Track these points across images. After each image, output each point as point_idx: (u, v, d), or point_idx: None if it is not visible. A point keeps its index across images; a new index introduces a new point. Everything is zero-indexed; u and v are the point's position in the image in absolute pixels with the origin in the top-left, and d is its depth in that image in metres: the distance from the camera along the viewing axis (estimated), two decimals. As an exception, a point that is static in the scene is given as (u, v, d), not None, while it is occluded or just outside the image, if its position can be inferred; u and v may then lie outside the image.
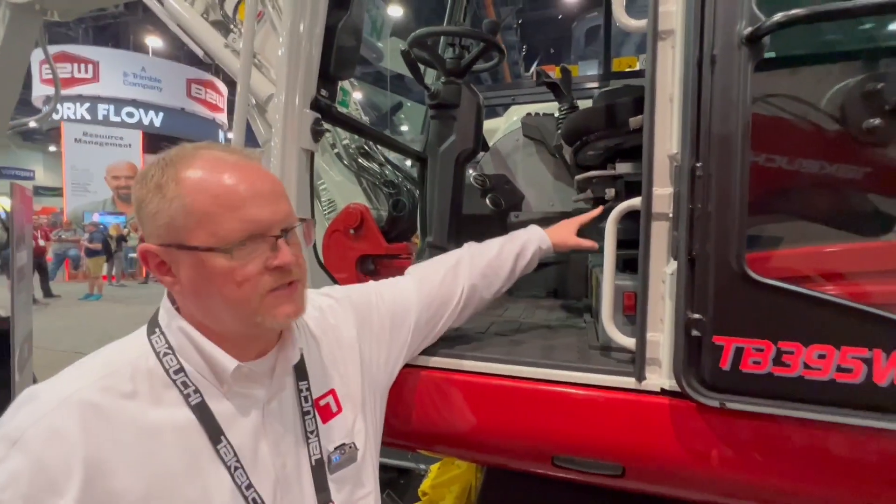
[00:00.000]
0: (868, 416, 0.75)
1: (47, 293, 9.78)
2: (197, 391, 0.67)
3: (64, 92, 13.56)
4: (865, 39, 1.08)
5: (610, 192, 1.26)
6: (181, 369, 0.67)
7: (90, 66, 14.42)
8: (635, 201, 0.92)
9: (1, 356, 2.71)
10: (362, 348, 0.90)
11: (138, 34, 15.88)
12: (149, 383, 0.65)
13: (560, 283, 1.99)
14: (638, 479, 0.94)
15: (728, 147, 0.78)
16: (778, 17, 0.74)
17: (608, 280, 0.97)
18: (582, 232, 1.29)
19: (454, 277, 1.07)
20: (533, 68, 2.15)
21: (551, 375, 0.98)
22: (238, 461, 0.67)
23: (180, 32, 2.24)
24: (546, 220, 2.04)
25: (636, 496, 1.00)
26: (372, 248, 1.80)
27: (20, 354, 2.81)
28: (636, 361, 0.91)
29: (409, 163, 2.41)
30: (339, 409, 0.82)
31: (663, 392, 0.89)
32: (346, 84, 2.33)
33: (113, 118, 14.88)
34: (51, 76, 3.14)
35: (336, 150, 2.20)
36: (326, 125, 1.28)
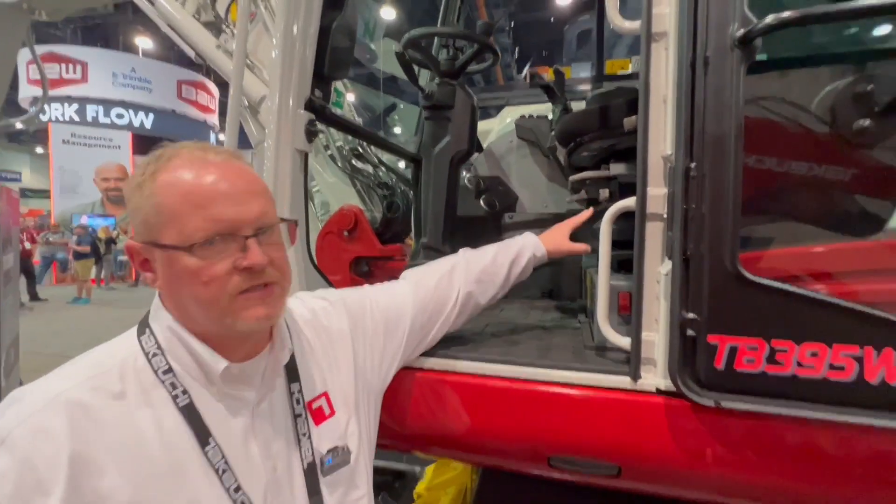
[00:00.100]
0: (860, 414, 0.76)
1: (34, 297, 9.63)
2: (185, 392, 0.66)
3: (52, 93, 13.37)
4: (855, 42, 1.10)
5: (604, 193, 1.27)
6: (170, 370, 0.66)
7: (78, 67, 14.23)
8: (630, 202, 0.92)
9: (-13, 361, 2.66)
10: (356, 351, 0.89)
11: (128, 34, 15.71)
12: (138, 384, 0.64)
13: (555, 283, 1.99)
14: (634, 479, 0.95)
15: (721, 148, 0.79)
16: (769, 19, 0.75)
17: (603, 280, 0.97)
18: (576, 234, 1.29)
19: (449, 282, 1.07)
20: (525, 70, 2.16)
21: (547, 376, 0.98)
22: (226, 463, 0.66)
23: (171, 33, 2.22)
24: (540, 222, 2.05)
25: (632, 496, 1.00)
26: (366, 250, 1.79)
27: (6, 359, 2.77)
28: (631, 361, 0.91)
29: (402, 164, 2.41)
30: (332, 412, 0.81)
31: (659, 392, 0.89)
32: (339, 85, 2.32)
33: (102, 119, 14.70)
34: (38, 77, 3.09)
35: (329, 152, 2.19)
36: (320, 126, 1.27)
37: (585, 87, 2.53)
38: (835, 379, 0.76)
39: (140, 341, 0.68)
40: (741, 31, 0.77)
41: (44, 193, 15.88)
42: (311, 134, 1.21)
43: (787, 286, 0.77)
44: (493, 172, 2.18)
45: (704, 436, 0.86)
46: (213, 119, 17.21)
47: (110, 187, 14.26)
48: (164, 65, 15.65)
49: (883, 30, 1.04)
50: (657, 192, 0.87)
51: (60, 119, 14.27)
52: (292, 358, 0.79)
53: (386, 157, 2.30)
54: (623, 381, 0.92)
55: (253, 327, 0.67)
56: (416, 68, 1.74)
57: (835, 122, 0.87)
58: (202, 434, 0.65)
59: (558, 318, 1.52)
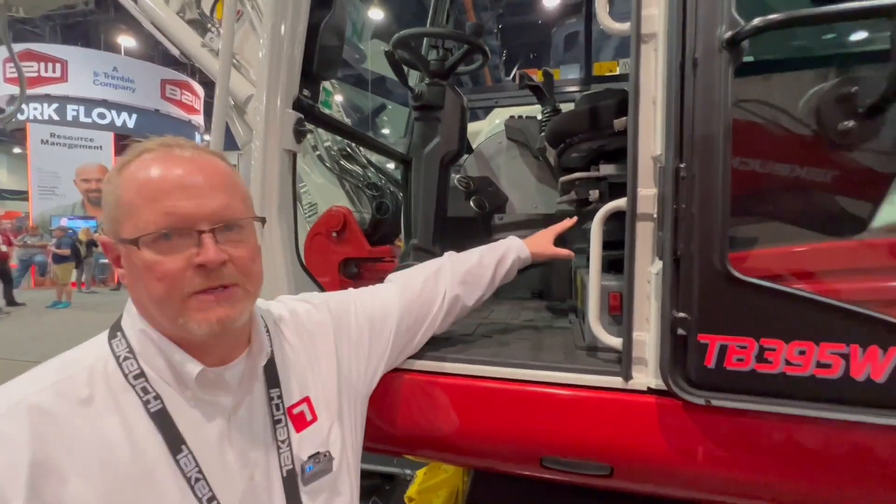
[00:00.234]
0: (845, 411, 0.77)
1: (10, 302, 9.36)
2: (157, 397, 0.64)
3: (30, 91, 13.05)
4: (841, 44, 1.13)
5: (594, 194, 1.27)
6: (142, 374, 0.64)
7: (58, 65, 13.91)
8: (621, 202, 0.93)
9: (-39, 368, 2.57)
10: (340, 355, 0.88)
11: (109, 33, 15.40)
12: (107, 389, 0.62)
13: (544, 284, 2.00)
14: (626, 479, 0.95)
15: (711, 148, 0.79)
16: (756, 21, 0.76)
17: (594, 281, 0.98)
18: (566, 233, 1.30)
19: (435, 284, 1.07)
20: (514, 72, 2.17)
21: (539, 377, 0.98)
22: (200, 472, 0.64)
23: (155, 31, 2.18)
24: (530, 223, 2.06)
25: (624, 495, 1.01)
26: (355, 252, 1.77)
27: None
28: (623, 361, 0.92)
29: (391, 165, 2.40)
30: (315, 418, 0.79)
31: (650, 391, 0.90)
32: (328, 85, 2.30)
33: (83, 119, 14.39)
34: (15, 75, 3.01)
35: (318, 153, 2.17)
36: (309, 126, 1.25)
37: (573, 88, 2.54)
38: (821, 376, 0.77)
39: (111, 345, 0.66)
40: (729, 33, 0.78)
41: (21, 195, 15.46)
42: (299, 134, 1.20)
43: (775, 285, 0.78)
44: (483, 173, 2.18)
45: (696, 434, 0.86)
46: (199, 119, 16.97)
47: (91, 188, 13.93)
48: (148, 64, 15.39)
49: (867, 32, 1.06)
50: (647, 193, 0.88)
51: (39, 118, 13.93)
52: (272, 362, 0.77)
53: (375, 157, 2.28)
54: (615, 381, 0.93)
55: (206, 331, 0.63)
56: (405, 68, 1.73)
57: (821, 123, 0.89)
58: (174, 441, 0.63)
59: (549, 319, 1.53)
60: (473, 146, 2.25)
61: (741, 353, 0.79)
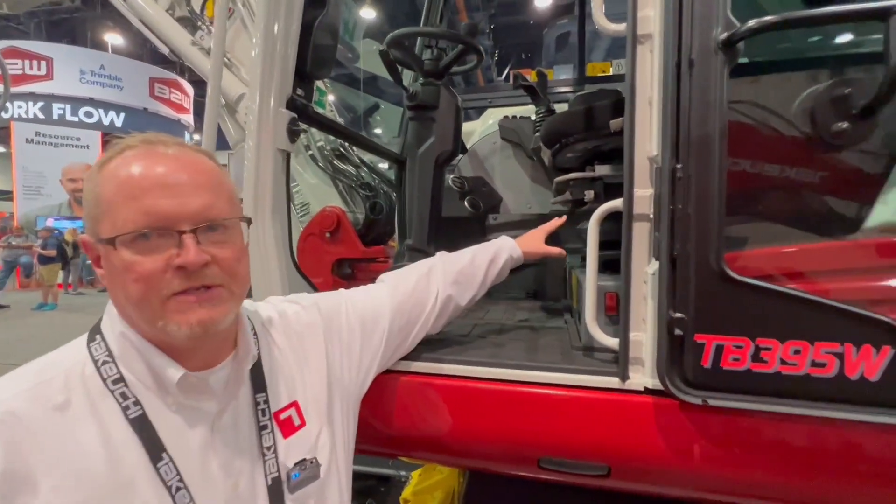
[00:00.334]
0: (840, 409, 0.78)
1: (-6, 304, 9.19)
2: (137, 403, 0.62)
3: (14, 89, 12.78)
4: (834, 46, 1.14)
5: (589, 194, 1.27)
6: (121, 379, 0.62)
7: (43, 63, 13.64)
8: (617, 203, 0.93)
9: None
10: (330, 357, 0.86)
11: (96, 30, 15.17)
12: (84, 394, 0.60)
13: (539, 284, 2.00)
14: (623, 479, 0.95)
15: (707, 149, 0.80)
16: (752, 23, 0.76)
17: (591, 281, 0.98)
18: (561, 235, 1.30)
19: (427, 284, 1.06)
20: (507, 72, 2.17)
21: (536, 377, 0.98)
22: (181, 481, 0.62)
23: (144, 29, 2.15)
24: (524, 223, 2.06)
25: (621, 495, 1.01)
26: (348, 252, 1.76)
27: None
28: (619, 361, 0.92)
29: (385, 165, 2.38)
30: (303, 423, 0.77)
31: (647, 391, 0.90)
32: (321, 84, 2.28)
33: (70, 118, 14.11)
34: None
35: (311, 152, 2.15)
36: (302, 126, 1.24)
37: (566, 89, 2.55)
38: (816, 375, 0.77)
39: (89, 348, 0.64)
40: (724, 35, 0.79)
41: (5, 195, 15.16)
42: (293, 133, 1.18)
43: (771, 285, 0.79)
44: (477, 174, 2.18)
45: (692, 434, 0.87)
46: (188, 118, 16.76)
47: (78, 188, 13.67)
48: (136, 62, 15.15)
49: (859, 34, 1.08)
50: (644, 193, 0.88)
51: (24, 117, 13.66)
52: (259, 365, 0.75)
53: (368, 157, 2.27)
54: (612, 382, 0.93)
55: (186, 333, 0.61)
56: (399, 68, 1.72)
57: (815, 125, 0.90)
58: (154, 449, 0.61)
59: (544, 319, 1.53)
60: (467, 146, 2.25)
61: (737, 352, 0.80)
